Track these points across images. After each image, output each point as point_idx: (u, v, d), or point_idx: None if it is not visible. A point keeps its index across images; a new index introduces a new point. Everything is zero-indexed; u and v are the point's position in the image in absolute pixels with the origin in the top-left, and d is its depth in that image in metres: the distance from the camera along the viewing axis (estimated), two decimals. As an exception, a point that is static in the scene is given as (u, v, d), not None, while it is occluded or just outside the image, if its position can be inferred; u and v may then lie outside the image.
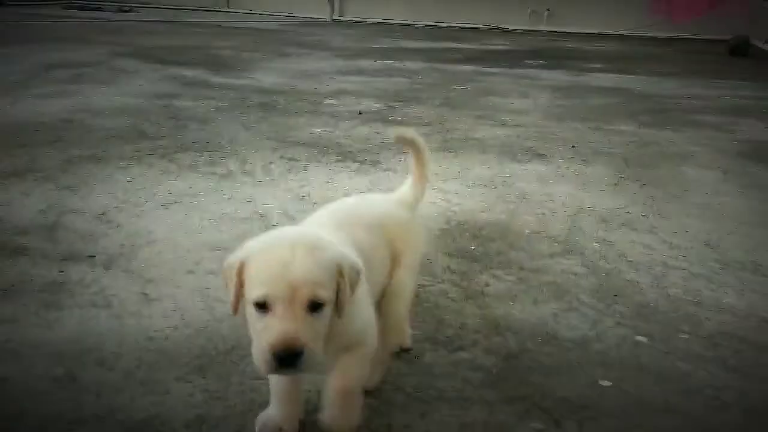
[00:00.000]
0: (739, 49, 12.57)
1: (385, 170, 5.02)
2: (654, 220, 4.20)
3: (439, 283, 3.24)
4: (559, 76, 9.67)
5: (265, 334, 1.75)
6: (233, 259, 1.86)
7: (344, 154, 5.38)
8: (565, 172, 5.16)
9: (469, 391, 2.42)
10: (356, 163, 5.15)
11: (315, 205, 4.17)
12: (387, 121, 6.64)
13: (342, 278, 1.84)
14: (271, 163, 5.04)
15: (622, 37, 15.45)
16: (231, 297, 1.85)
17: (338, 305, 1.85)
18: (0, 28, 12.37)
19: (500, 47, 13.00)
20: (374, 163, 5.18)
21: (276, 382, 2.09)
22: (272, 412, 2.12)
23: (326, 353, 1.88)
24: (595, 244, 3.79)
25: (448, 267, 3.42)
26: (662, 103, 7.96)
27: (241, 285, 1.83)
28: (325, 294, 1.79)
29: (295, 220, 3.85)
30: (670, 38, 15.28)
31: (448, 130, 6.38)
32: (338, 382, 2.00)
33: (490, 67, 10.26)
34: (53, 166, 4.73)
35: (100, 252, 3.42)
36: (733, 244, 3.86)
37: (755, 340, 2.84)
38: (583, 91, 8.54)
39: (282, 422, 2.11)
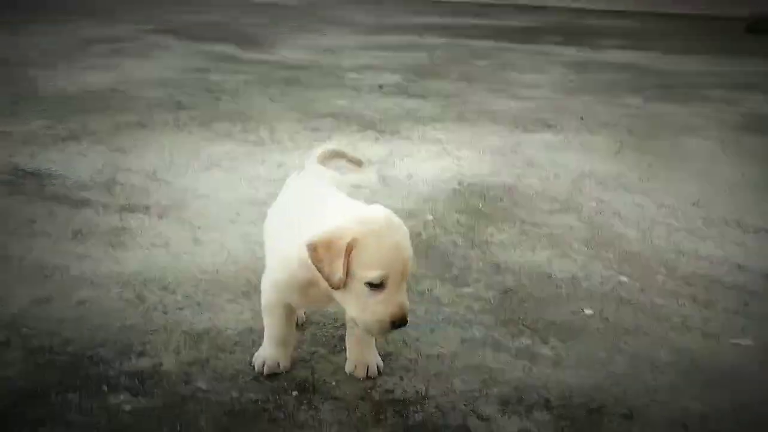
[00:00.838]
0: (757, 26, 12.79)
1: (404, 139, 5.45)
2: (649, 183, 4.62)
3: (449, 234, 3.70)
4: (574, 53, 10.01)
5: (382, 307, 2.05)
6: (336, 236, 2.05)
7: (365, 125, 5.82)
8: (572, 141, 5.58)
9: (470, 315, 2.88)
10: (377, 133, 5.59)
11: (339, 169, 4.64)
12: (407, 94, 7.06)
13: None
14: (296, 132, 5.49)
15: (641, 14, 15.67)
16: (339, 273, 2.04)
17: None
18: (35, 2, 12.88)
19: (520, 24, 13.32)
20: (393, 133, 5.62)
21: (274, 325, 2.38)
22: (269, 350, 2.42)
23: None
24: (591, 203, 4.23)
25: (458, 221, 3.88)
26: (671, 78, 8.31)
27: (348, 262, 2.04)
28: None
29: (324, 178, 4.32)
30: (688, 15, 15.48)
31: (464, 103, 6.79)
32: (357, 331, 2.37)
33: (509, 43, 10.62)
34: (104, 131, 5.23)
35: (154, 204, 3.91)
36: (719, 204, 4.27)
37: (726, 281, 3.27)
38: (595, 67, 8.89)
39: (278, 359, 2.42)
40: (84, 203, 3.88)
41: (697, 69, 9.04)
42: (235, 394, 2.30)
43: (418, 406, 2.29)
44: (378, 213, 2.15)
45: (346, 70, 8.09)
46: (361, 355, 2.44)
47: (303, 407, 2.26)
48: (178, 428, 2.13)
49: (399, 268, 2.06)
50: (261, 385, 2.36)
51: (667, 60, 9.63)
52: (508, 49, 10.12)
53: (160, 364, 2.44)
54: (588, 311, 2.94)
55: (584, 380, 2.46)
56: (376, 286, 2.05)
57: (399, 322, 2.07)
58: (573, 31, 12.36)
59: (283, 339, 2.43)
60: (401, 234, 2.12)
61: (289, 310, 2.38)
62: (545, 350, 2.64)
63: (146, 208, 3.83)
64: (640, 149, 5.37)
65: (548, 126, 6.01)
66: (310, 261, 2.08)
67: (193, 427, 2.14)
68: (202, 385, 2.35)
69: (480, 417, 2.25)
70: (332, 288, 2.09)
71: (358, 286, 2.06)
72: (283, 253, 2.27)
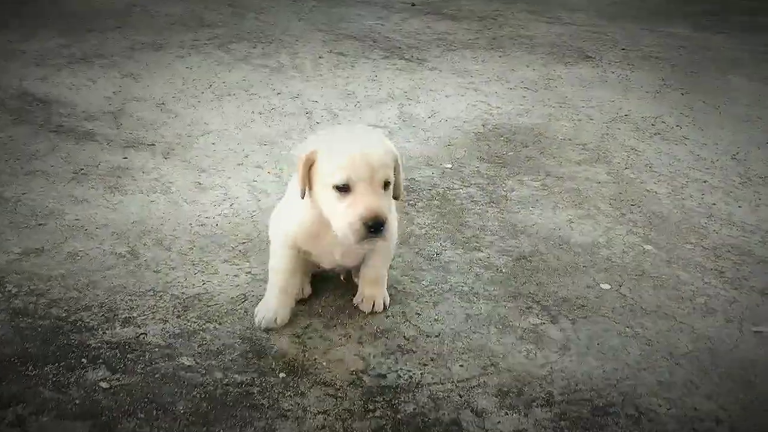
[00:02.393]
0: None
1: (430, 69, 5.17)
2: (687, 130, 4.33)
3: (467, 187, 3.49)
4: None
5: (351, 209, 2.09)
6: (301, 152, 2.19)
7: (391, 50, 5.53)
8: (609, 76, 5.24)
9: (478, 287, 2.71)
10: (403, 61, 5.31)
11: (358, 104, 4.41)
12: (440, 14, 6.71)
13: (397, 164, 2.24)
14: (320, 57, 5.23)
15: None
16: (301, 185, 2.19)
17: (395, 188, 2.25)
18: None
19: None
20: (421, 62, 5.33)
21: (280, 283, 2.39)
22: (270, 303, 2.42)
23: (357, 258, 2.40)
24: (623, 153, 3.97)
25: (478, 171, 3.66)
26: (722, 4, 7.77)
27: (308, 174, 2.18)
28: (392, 175, 2.18)
29: (338, 117, 4.10)
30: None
31: (500, 26, 6.43)
32: (369, 272, 2.49)
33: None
34: (118, 53, 5.03)
35: (160, 140, 3.75)
36: (759, 158, 3.98)
37: (756, 254, 3.04)
38: (643, -11, 8.35)
39: (277, 311, 2.40)
40: (89, 136, 3.74)
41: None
42: (218, 374, 2.19)
43: (410, 395, 2.16)
44: (342, 126, 2.29)
45: (378, -15, 7.68)
46: (369, 289, 2.51)
47: (289, 393, 2.13)
48: (154, 413, 2.03)
49: (365, 171, 2.10)
50: (248, 363, 2.24)
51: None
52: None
53: (145, 335, 2.33)
54: (605, 286, 2.75)
55: (593, 370, 2.30)
56: (342, 189, 2.11)
57: (372, 222, 2.08)
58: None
59: (287, 292, 2.42)
60: (370, 141, 2.19)
61: (297, 256, 2.38)
62: (554, 332, 2.48)
63: (151, 146, 3.68)
64: (683, 88, 5.03)
65: (587, 57, 5.67)
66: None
67: (170, 413, 2.03)
68: (185, 361, 2.23)
69: (474, 411, 2.11)
70: (300, 196, 2.21)
71: (328, 194, 2.14)
72: (288, 195, 2.40)
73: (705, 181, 3.68)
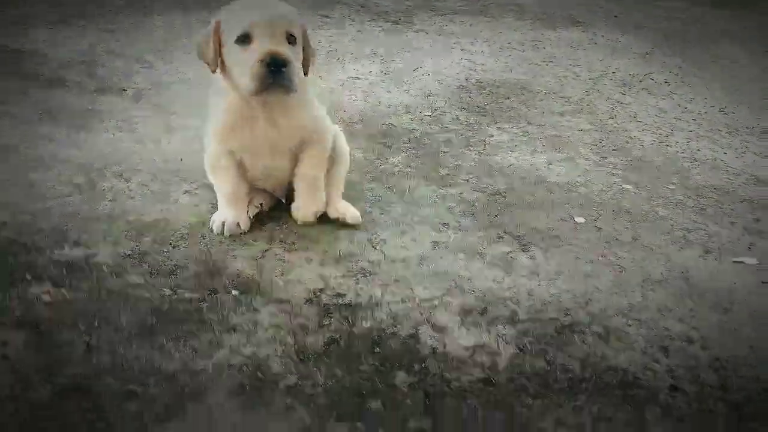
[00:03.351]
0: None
1: (416, 31, 5.08)
2: (675, 87, 4.22)
3: (445, 132, 3.39)
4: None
5: (250, 58, 2.13)
6: (208, 28, 2.25)
7: (379, 14, 5.43)
8: (599, 40, 5.14)
9: (448, 218, 2.61)
10: (389, 23, 5.21)
11: (340, 59, 4.31)
12: (430, -15, 6.59)
13: (305, 32, 2.28)
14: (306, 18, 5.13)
15: None
16: (210, 55, 2.24)
17: (304, 62, 2.28)
18: None
19: None
20: (407, 24, 5.24)
21: (224, 180, 2.41)
22: (226, 210, 2.41)
23: (289, 160, 2.40)
24: (608, 105, 3.87)
25: (457, 118, 3.56)
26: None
27: (218, 42, 2.22)
28: (297, 32, 2.21)
29: (321, 78, 3.99)
30: None
31: (490, -4, 6.32)
32: (303, 172, 2.44)
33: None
34: (99, 15, 4.93)
35: (132, 87, 3.65)
36: (747, 113, 3.88)
37: (740, 194, 2.94)
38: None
39: (237, 216, 2.40)
40: (59, 82, 3.65)
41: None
42: (167, 291, 2.09)
43: (369, 312, 2.06)
44: None
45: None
46: (304, 196, 2.45)
47: (241, 309, 2.04)
48: (96, 324, 1.93)
49: (264, 24, 2.14)
50: (199, 282, 2.14)
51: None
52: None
53: (94, 255, 2.24)
54: (580, 219, 2.65)
55: (561, 293, 2.20)
56: (243, 41, 2.16)
57: (269, 59, 2.12)
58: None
59: (237, 194, 2.42)
60: (270, 1, 2.24)
61: (233, 159, 2.39)
62: (523, 259, 2.38)
63: (122, 91, 3.58)
64: (673, 53, 4.93)
65: (576, 23, 5.56)
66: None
67: (112, 324, 1.93)
68: (134, 279, 2.13)
69: (434, 327, 2.01)
70: (212, 71, 2.27)
71: (232, 54, 2.20)
72: (211, 99, 2.42)
73: (691, 131, 3.58)
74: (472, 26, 5.24)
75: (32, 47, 4.14)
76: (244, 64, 2.16)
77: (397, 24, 5.19)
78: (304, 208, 2.45)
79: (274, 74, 2.13)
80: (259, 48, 2.14)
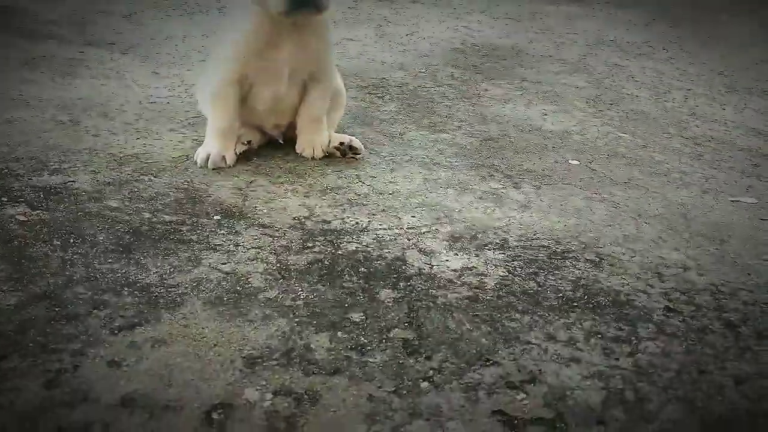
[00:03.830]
0: None
1: (413, 1, 5.01)
2: (674, 53, 4.17)
3: (439, 86, 3.33)
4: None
5: None
6: None
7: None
8: (597, 13, 5.09)
9: (439, 159, 2.54)
10: (386, -6, 5.15)
11: (334, 24, 4.25)
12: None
13: None
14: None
15: None
16: None
17: None
18: None
19: None
20: (404, -4, 5.17)
21: (222, 110, 2.35)
22: (213, 142, 2.35)
23: (298, 92, 2.38)
24: (605, 67, 3.80)
25: (452, 75, 3.50)
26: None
27: None
28: None
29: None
30: None
31: (488, -25, 6.26)
32: (306, 111, 2.43)
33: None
34: (90, -22, 4.87)
35: (121, 42, 3.59)
36: (746, 75, 3.83)
37: (738, 144, 2.88)
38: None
39: (222, 150, 2.34)
40: (47, 36, 3.58)
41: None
42: (147, 215, 2.02)
43: (354, 237, 1.99)
44: None
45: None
46: (308, 132, 2.44)
47: (222, 232, 1.97)
48: (71, 241, 1.86)
49: None
50: (180, 207, 2.07)
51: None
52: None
53: (73, 182, 2.17)
54: (574, 162, 2.58)
55: (553, 224, 2.13)
56: None
57: None
58: None
59: (230, 128, 2.36)
60: None
61: (239, 91, 2.33)
62: (515, 194, 2.31)
63: (111, 45, 3.52)
64: (673, 23, 4.87)
65: (575, 0, 5.50)
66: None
67: (88, 242, 1.86)
68: (112, 203, 2.06)
69: (422, 251, 1.94)
70: None
71: None
72: (227, 27, 2.39)
73: (689, 89, 3.52)
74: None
75: (21, 5, 4.08)
76: None
77: (393, -5, 5.13)
78: (312, 143, 2.44)
79: None
80: None
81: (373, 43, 3.93)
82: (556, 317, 1.70)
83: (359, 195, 2.24)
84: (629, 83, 3.53)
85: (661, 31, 4.62)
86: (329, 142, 2.46)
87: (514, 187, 2.36)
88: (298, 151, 2.46)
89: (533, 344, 1.59)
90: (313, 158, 2.45)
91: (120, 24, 3.87)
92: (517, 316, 1.69)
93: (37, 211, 1.99)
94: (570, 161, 2.58)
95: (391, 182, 2.34)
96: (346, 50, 3.72)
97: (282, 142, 2.50)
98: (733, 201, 2.37)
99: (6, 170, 2.20)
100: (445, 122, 2.87)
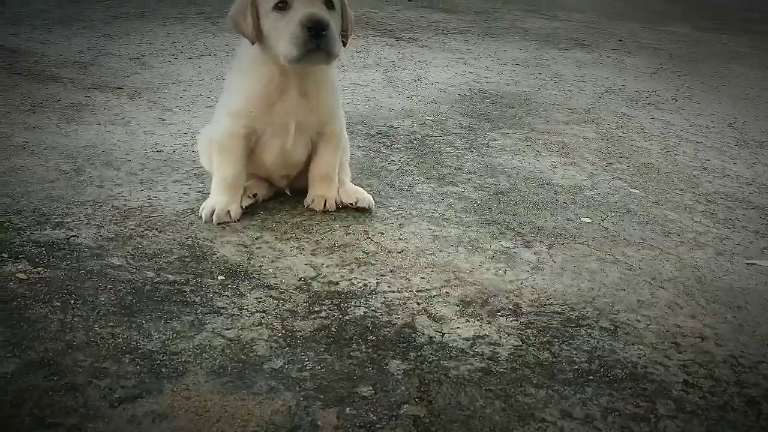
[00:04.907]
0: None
1: (420, 46, 5.02)
2: (683, 103, 4.14)
3: (447, 135, 3.29)
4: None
5: (291, 22, 2.04)
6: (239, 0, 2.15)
7: (383, 31, 5.38)
8: (605, 60, 5.08)
9: (449, 214, 2.50)
10: (393, 39, 5.16)
11: (343, 68, 4.24)
12: (435, 8, 6.59)
13: (344, 5, 2.19)
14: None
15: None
16: (248, 26, 2.13)
17: (343, 30, 2.18)
18: None
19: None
20: (412, 40, 5.18)
21: (229, 163, 2.30)
22: (219, 196, 2.29)
23: (305, 144, 2.34)
24: (614, 117, 3.78)
25: (459, 123, 3.47)
26: (725, 12, 7.67)
27: (256, 12, 2.13)
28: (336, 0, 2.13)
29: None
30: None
31: (495, 20, 6.30)
32: (317, 168, 2.41)
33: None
34: (99, 19, 4.88)
35: (128, 85, 3.57)
36: (756, 127, 3.80)
37: (751, 201, 2.84)
38: (644, -5, 8.27)
39: (228, 205, 2.29)
40: (53, 79, 3.56)
41: (753, 6, 8.35)
42: (150, 274, 1.97)
43: (362, 300, 1.93)
44: None
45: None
46: (320, 187, 2.40)
47: (226, 293, 1.91)
48: (72, 303, 1.81)
49: None
50: (184, 266, 2.02)
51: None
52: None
53: (75, 237, 2.12)
54: (586, 219, 2.53)
55: (566, 288, 2.08)
56: (281, 7, 2.08)
57: (310, 23, 2.01)
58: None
59: (236, 181, 2.31)
60: None
61: (246, 144, 2.28)
62: (527, 254, 2.26)
63: (118, 89, 3.49)
64: (680, 71, 4.87)
65: (582, 45, 5.52)
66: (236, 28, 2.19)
67: (89, 304, 1.81)
68: (115, 261, 2.01)
69: (432, 317, 1.88)
70: (252, 42, 2.16)
71: (271, 21, 2.10)
72: (234, 77, 2.30)
73: (699, 142, 3.49)
74: (477, 44, 5.19)
75: (28, 46, 4.07)
76: (284, 30, 2.06)
77: (401, 40, 5.14)
78: (318, 201, 2.42)
79: (316, 38, 2.02)
80: (299, 12, 2.04)
81: (381, 88, 3.91)
82: (572, 392, 1.64)
83: (367, 253, 2.19)
84: (639, 135, 3.50)
85: (669, 80, 4.60)
86: (339, 199, 2.43)
87: (525, 246, 2.31)
88: (307, 205, 2.42)
89: (548, 422, 1.53)
90: (322, 211, 2.42)
91: (128, 67, 3.86)
92: (532, 390, 1.63)
93: (38, 269, 1.94)
94: (582, 219, 2.53)
95: (400, 239, 2.29)
96: (354, 95, 3.70)
97: (290, 193, 2.45)
98: (748, 264, 2.32)
99: (8, 224, 2.16)
100: (454, 174, 2.83)
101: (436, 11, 6.39)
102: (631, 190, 2.83)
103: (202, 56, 4.20)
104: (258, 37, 2.16)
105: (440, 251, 2.24)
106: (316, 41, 2.02)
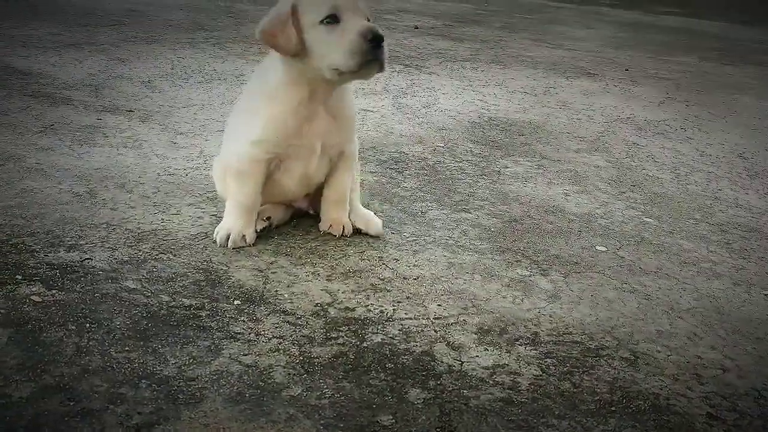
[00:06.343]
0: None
1: (428, 73, 5.03)
2: (692, 132, 4.15)
3: (458, 162, 3.29)
4: (628, 15, 9.44)
5: (346, 33, 2.03)
6: (277, 11, 2.12)
7: (392, 58, 5.36)
8: (612, 89, 5.10)
9: (464, 241, 2.48)
10: (401, 65, 5.18)
11: (354, 94, 4.24)
12: (443, 35, 6.63)
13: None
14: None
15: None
16: (292, 40, 2.08)
17: None
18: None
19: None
20: (419, 67, 5.20)
21: (247, 188, 2.27)
22: (234, 221, 2.28)
23: (326, 164, 2.33)
24: (624, 146, 3.78)
25: (470, 150, 3.47)
26: (729, 43, 7.72)
27: (297, 26, 2.08)
28: (370, 14, 2.12)
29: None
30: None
31: (501, 48, 6.33)
32: (333, 189, 2.40)
33: (560, 2, 10.06)
34: (110, 43, 4.90)
35: (140, 108, 3.57)
36: (765, 157, 3.79)
37: (765, 232, 2.83)
38: (648, 27, 8.33)
39: (243, 229, 2.27)
40: (65, 101, 3.56)
41: (756, 37, 8.41)
42: (165, 297, 1.95)
43: (379, 327, 1.91)
44: None
45: (383, 11, 7.66)
46: (335, 212, 2.40)
47: (242, 318, 1.89)
48: (87, 326, 1.79)
49: (350, 1, 2.07)
50: (200, 290, 2.00)
51: (725, 27, 9.01)
52: (559, 7, 9.58)
53: (90, 260, 2.10)
54: (601, 248, 2.52)
55: (584, 317, 2.06)
56: (330, 21, 2.06)
57: (372, 35, 2.01)
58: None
59: (253, 206, 2.30)
60: None
61: (267, 169, 2.26)
62: (543, 283, 2.24)
63: (129, 112, 3.50)
64: (688, 101, 4.88)
65: (588, 74, 5.54)
66: (264, 41, 2.14)
67: (105, 327, 1.79)
68: (130, 284, 1.99)
69: (450, 345, 1.86)
70: (292, 55, 2.10)
71: (320, 35, 2.07)
72: (255, 102, 2.25)
73: (710, 172, 3.48)
74: (484, 72, 5.21)
75: (40, 68, 4.08)
76: (338, 43, 2.04)
77: (409, 67, 5.16)
78: (336, 226, 2.42)
79: (375, 49, 2.03)
80: (354, 24, 2.04)
81: (391, 114, 3.91)
82: (595, 423, 1.62)
83: (383, 279, 2.17)
84: (649, 164, 3.49)
85: (677, 110, 4.61)
86: (351, 222, 2.43)
87: (541, 274, 2.29)
88: (322, 230, 2.42)
89: (572, 454, 1.50)
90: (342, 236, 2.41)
91: (139, 90, 3.86)
92: (554, 421, 1.61)
93: (53, 291, 1.92)
94: (597, 247, 2.52)
95: (415, 266, 2.27)
96: (365, 121, 3.70)
97: (312, 212, 2.45)
98: (766, 295, 2.30)
99: (22, 245, 2.14)
100: (466, 201, 2.82)
101: (443, 39, 6.42)
102: (645, 219, 2.82)
103: (212, 81, 4.21)
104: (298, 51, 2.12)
105: (456, 278, 2.22)
106: (375, 52, 2.03)
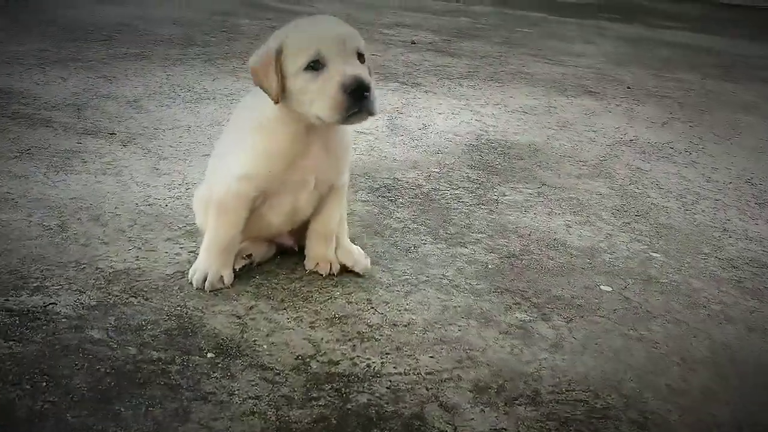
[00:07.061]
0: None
1: (425, 92, 4.89)
2: (697, 156, 4.00)
3: (454, 189, 3.14)
4: (629, 29, 9.30)
5: (330, 83, 1.86)
6: (265, 49, 1.97)
7: (386, 75, 5.26)
8: (614, 108, 4.95)
9: (459, 280, 2.33)
10: (396, 83, 5.03)
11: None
12: (440, 51, 6.48)
13: (367, 59, 1.98)
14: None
15: (706, 2, 14.74)
16: (272, 85, 1.93)
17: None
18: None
19: (578, 0, 12.56)
20: (416, 85, 5.05)
21: (226, 233, 2.12)
22: (210, 261, 2.12)
23: (317, 199, 2.17)
24: (628, 171, 3.62)
25: (467, 176, 3.31)
26: (732, 60, 7.58)
27: (280, 70, 1.93)
28: (363, 47, 1.96)
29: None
30: (756, 7, 14.51)
31: (500, 64, 6.18)
32: (321, 224, 2.25)
33: (560, 16, 9.92)
34: (97, 59, 4.75)
35: (122, 131, 3.42)
36: (776, 184, 3.64)
37: (778, 269, 2.66)
38: (650, 43, 8.19)
39: (220, 270, 2.12)
40: (44, 123, 3.41)
41: (760, 53, 8.28)
42: (132, 350, 1.79)
43: (365, 385, 1.75)
44: (303, 18, 2.02)
45: (380, 26, 7.52)
46: (322, 249, 2.25)
47: (215, 374, 1.73)
48: (44, 385, 1.62)
49: (335, 44, 1.89)
50: (170, 341, 1.84)
51: (728, 43, 8.87)
52: (559, 21, 9.45)
53: (54, 304, 1.94)
54: (605, 288, 2.36)
55: (589, 371, 1.90)
56: (314, 67, 1.89)
57: (354, 86, 1.84)
58: (630, 9, 11.58)
59: (232, 243, 2.14)
60: (332, 20, 2.00)
61: (252, 205, 2.10)
62: (544, 329, 2.08)
63: (111, 135, 3.34)
64: (692, 121, 4.73)
65: (590, 92, 5.39)
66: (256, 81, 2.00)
67: (63, 387, 1.63)
68: (95, 334, 1.83)
69: (443, 406, 1.70)
70: (275, 102, 1.95)
71: (300, 81, 1.91)
72: (245, 134, 2.09)
73: (718, 200, 3.33)
74: (482, 90, 5.06)
75: (22, 87, 3.93)
76: (320, 92, 1.89)
77: (405, 84, 5.01)
78: (327, 259, 2.26)
79: (359, 101, 1.86)
80: (337, 73, 1.87)
81: (385, 137, 3.76)
82: (601, 500, 1.45)
83: (371, 326, 2.01)
84: (654, 191, 3.34)
85: (681, 131, 4.47)
86: (336, 259, 2.28)
87: (542, 319, 2.13)
88: (308, 269, 2.26)
89: None
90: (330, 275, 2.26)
91: (123, 110, 3.71)
92: (557, 499, 1.44)
93: (10, 343, 1.76)
94: (601, 286, 2.36)
95: (406, 310, 2.11)
96: (357, 145, 3.55)
97: (297, 249, 2.29)
98: (783, 342, 2.14)
99: (-20, 288, 1.98)
100: (462, 233, 2.66)
101: (440, 55, 6.28)
102: (651, 253, 2.67)
103: (201, 100, 4.06)
104: (282, 96, 1.96)
105: (450, 324, 2.06)
106: (359, 104, 1.86)
